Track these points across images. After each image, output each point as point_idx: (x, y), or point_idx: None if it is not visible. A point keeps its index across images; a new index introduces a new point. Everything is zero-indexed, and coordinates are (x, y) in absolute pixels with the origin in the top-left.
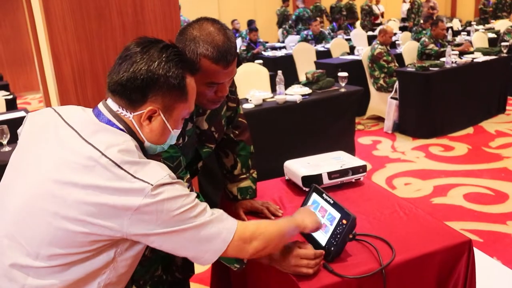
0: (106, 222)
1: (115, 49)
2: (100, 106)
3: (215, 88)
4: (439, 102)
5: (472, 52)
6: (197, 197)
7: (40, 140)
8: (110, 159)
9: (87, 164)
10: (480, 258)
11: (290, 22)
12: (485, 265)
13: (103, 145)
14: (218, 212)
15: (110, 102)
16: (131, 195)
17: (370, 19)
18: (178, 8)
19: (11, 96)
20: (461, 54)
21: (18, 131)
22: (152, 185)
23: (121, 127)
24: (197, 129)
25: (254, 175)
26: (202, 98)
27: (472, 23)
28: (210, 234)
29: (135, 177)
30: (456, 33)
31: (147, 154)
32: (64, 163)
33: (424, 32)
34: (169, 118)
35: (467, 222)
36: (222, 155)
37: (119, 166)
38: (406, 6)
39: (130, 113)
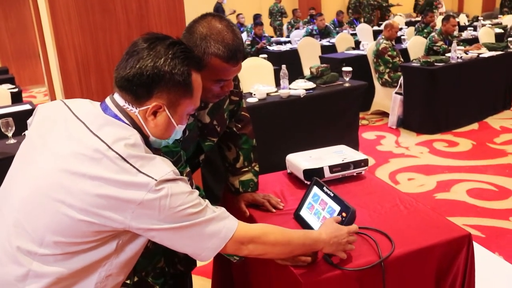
0: (110, 214)
1: (119, 42)
2: (107, 100)
3: (222, 84)
4: (444, 98)
5: None
6: (198, 190)
7: (49, 131)
8: (117, 153)
9: (94, 156)
10: (482, 253)
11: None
12: (486, 260)
13: (110, 139)
14: (220, 210)
15: (117, 96)
16: (135, 189)
17: (375, 14)
18: (183, 1)
19: (16, 89)
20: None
21: (28, 121)
22: (156, 180)
23: (127, 121)
24: (199, 122)
25: (256, 168)
26: (208, 93)
27: (479, 18)
28: (210, 231)
29: (140, 171)
30: (462, 28)
31: (151, 148)
32: (72, 154)
33: (426, 30)
34: (174, 113)
35: (470, 217)
36: (225, 148)
37: (125, 160)
38: None
39: (136, 108)
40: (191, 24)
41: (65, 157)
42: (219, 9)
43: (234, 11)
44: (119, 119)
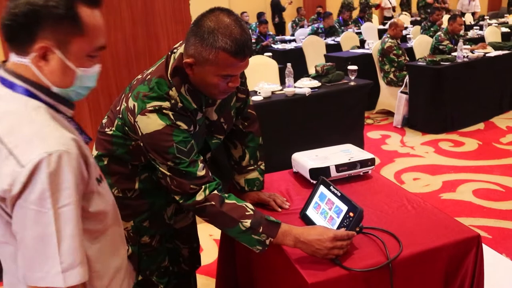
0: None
1: (124, 40)
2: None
3: (228, 79)
4: (450, 97)
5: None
6: (215, 180)
7: None
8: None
9: None
10: (489, 254)
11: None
12: (493, 261)
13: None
14: None
15: (10, 57)
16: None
17: (370, 12)
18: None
19: None
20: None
21: None
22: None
23: (23, 84)
24: (206, 119)
25: (262, 167)
26: (215, 89)
27: (485, 17)
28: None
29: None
30: (468, 28)
31: (71, 100)
32: None
33: (432, 29)
34: (68, 54)
35: (476, 218)
36: (231, 146)
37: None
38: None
39: (26, 58)
40: (199, 18)
41: None
42: (278, 4)
43: (291, 2)
44: (14, 85)
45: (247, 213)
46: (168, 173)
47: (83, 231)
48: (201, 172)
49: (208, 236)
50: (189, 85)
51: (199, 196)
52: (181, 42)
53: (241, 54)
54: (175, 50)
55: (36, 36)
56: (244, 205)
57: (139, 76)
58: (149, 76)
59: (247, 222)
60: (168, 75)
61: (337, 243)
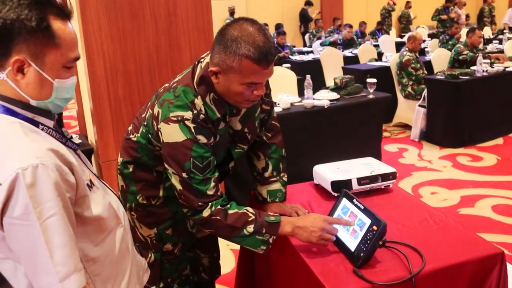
0: None
1: (147, 49)
2: None
3: (253, 87)
4: (468, 111)
5: None
6: (221, 197)
7: None
8: None
9: None
10: (511, 271)
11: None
12: None
13: None
14: None
15: None
16: None
17: (389, 24)
18: (211, 9)
19: None
20: (493, 63)
21: None
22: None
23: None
24: (230, 129)
25: (285, 178)
26: (240, 97)
27: (505, 31)
28: None
29: None
30: (487, 42)
31: (51, 111)
32: None
33: (450, 42)
34: (43, 66)
35: (496, 234)
36: (254, 157)
37: None
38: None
39: (2, 73)
40: (224, 27)
41: None
42: (305, 15)
43: (319, 12)
44: None
45: (249, 219)
46: (179, 186)
47: (84, 235)
48: (211, 191)
49: (225, 246)
50: (214, 94)
51: (206, 213)
52: (208, 52)
53: (264, 61)
54: (201, 60)
55: (10, 50)
56: (245, 211)
57: (166, 85)
58: (175, 85)
59: (251, 228)
60: (194, 84)
61: (328, 226)
